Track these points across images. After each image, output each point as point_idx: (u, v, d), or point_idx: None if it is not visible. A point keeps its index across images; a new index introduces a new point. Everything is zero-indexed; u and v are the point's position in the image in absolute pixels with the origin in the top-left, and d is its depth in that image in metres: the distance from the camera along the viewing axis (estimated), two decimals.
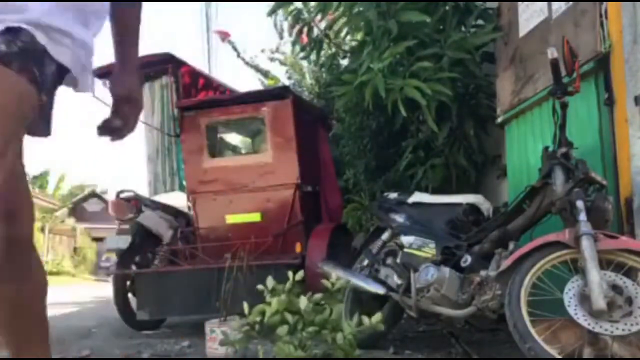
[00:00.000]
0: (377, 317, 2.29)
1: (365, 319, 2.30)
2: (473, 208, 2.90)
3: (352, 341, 2.29)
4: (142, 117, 5.27)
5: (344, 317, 3.25)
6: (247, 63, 7.71)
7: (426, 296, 2.61)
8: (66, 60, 1.21)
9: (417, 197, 3.10)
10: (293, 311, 2.36)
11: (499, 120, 3.37)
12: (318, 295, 2.44)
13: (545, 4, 2.92)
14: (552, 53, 2.23)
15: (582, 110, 2.61)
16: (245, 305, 2.48)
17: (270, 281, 2.48)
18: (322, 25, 4.48)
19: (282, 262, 3.86)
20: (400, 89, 3.31)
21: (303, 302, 2.34)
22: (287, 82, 7.01)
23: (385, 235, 3.14)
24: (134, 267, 4.51)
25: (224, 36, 8.31)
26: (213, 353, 3.08)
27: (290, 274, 2.45)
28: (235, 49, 7.85)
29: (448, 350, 2.93)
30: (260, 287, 2.49)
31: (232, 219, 4.34)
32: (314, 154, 4.76)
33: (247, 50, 8.40)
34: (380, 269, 3.00)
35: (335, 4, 3.91)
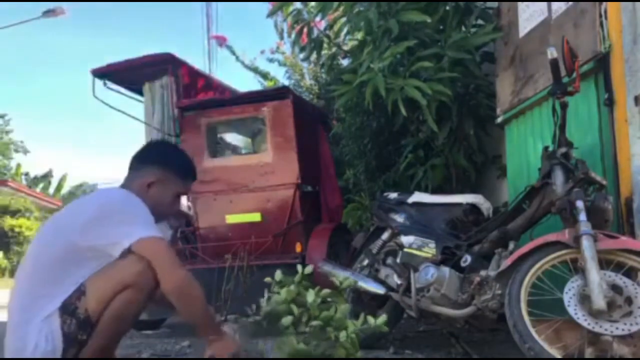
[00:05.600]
0: (382, 318, 2.28)
1: (370, 319, 2.29)
2: (473, 208, 2.90)
3: (355, 340, 2.29)
4: (142, 117, 5.20)
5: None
6: (246, 66, 7.71)
7: (426, 296, 2.61)
8: None
9: (417, 197, 3.10)
10: (299, 304, 2.35)
11: (499, 120, 3.37)
12: (326, 291, 2.43)
13: (545, 4, 2.92)
14: (551, 53, 2.23)
15: (582, 110, 2.61)
16: (254, 307, 2.48)
17: (278, 274, 2.49)
18: (322, 25, 4.48)
19: (282, 262, 3.86)
20: (401, 89, 3.31)
21: (311, 295, 2.34)
22: (286, 83, 7.01)
23: (385, 235, 3.13)
24: None
25: (222, 41, 8.32)
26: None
27: (299, 267, 2.43)
28: (233, 53, 7.85)
29: (448, 350, 2.93)
30: (268, 279, 2.50)
31: (232, 219, 4.34)
32: (314, 154, 4.76)
33: (248, 50, 8.41)
34: (380, 269, 3.00)
35: (335, 3, 3.91)
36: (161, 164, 2.05)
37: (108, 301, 1.78)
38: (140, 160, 2.08)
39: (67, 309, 1.78)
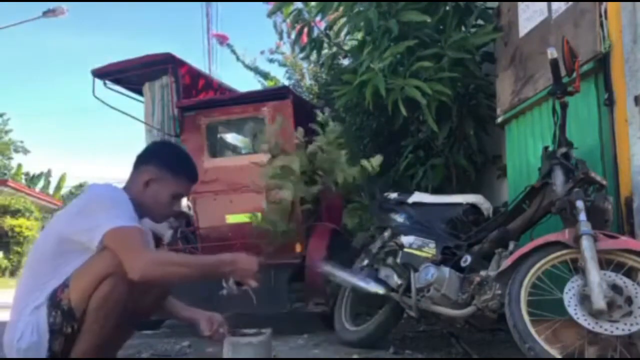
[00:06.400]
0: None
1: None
2: (473, 208, 2.90)
3: None
4: (142, 117, 5.20)
5: (343, 317, 3.26)
6: (246, 66, 7.69)
7: (426, 296, 2.61)
8: None
9: (417, 197, 3.10)
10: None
11: (499, 120, 3.37)
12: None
13: (545, 4, 2.92)
14: (551, 53, 2.23)
15: (582, 110, 2.61)
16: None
17: None
18: (322, 25, 4.48)
19: (282, 262, 3.86)
20: (401, 89, 3.31)
21: (295, 164, 2.76)
22: (286, 83, 7.00)
23: (385, 235, 3.13)
24: None
25: (223, 40, 8.30)
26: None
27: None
28: (234, 52, 7.84)
29: (448, 350, 2.93)
30: None
31: (232, 219, 4.34)
32: None
33: (248, 50, 8.40)
34: (380, 269, 3.00)
35: (335, 3, 3.91)
36: (157, 163, 2.07)
37: (89, 293, 1.80)
38: (140, 159, 2.11)
39: (53, 301, 1.82)
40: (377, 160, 3.39)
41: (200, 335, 2.11)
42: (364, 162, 3.42)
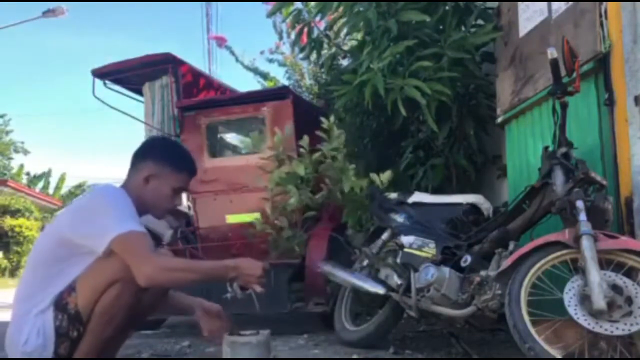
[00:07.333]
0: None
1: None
2: (473, 208, 2.90)
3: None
4: (142, 117, 5.21)
5: (343, 317, 3.26)
6: (246, 67, 7.69)
7: (426, 296, 2.60)
8: None
9: (417, 197, 3.10)
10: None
11: (499, 120, 3.37)
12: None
13: (545, 4, 2.92)
14: (551, 53, 2.23)
15: (582, 110, 2.61)
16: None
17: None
18: (322, 25, 4.48)
19: (282, 262, 3.85)
20: (400, 89, 3.31)
21: (300, 170, 3.16)
22: (286, 83, 7.00)
23: (385, 235, 3.13)
24: None
25: (221, 42, 8.31)
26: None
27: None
28: (233, 53, 7.83)
29: (448, 350, 2.93)
30: None
31: (232, 219, 4.34)
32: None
33: (247, 50, 8.39)
34: (380, 269, 3.00)
35: (335, 4, 3.91)
36: (155, 158, 2.06)
37: (97, 297, 1.80)
38: (137, 156, 2.09)
39: (59, 305, 1.81)
40: (386, 175, 3.48)
41: (200, 335, 2.11)
42: (374, 176, 3.51)
